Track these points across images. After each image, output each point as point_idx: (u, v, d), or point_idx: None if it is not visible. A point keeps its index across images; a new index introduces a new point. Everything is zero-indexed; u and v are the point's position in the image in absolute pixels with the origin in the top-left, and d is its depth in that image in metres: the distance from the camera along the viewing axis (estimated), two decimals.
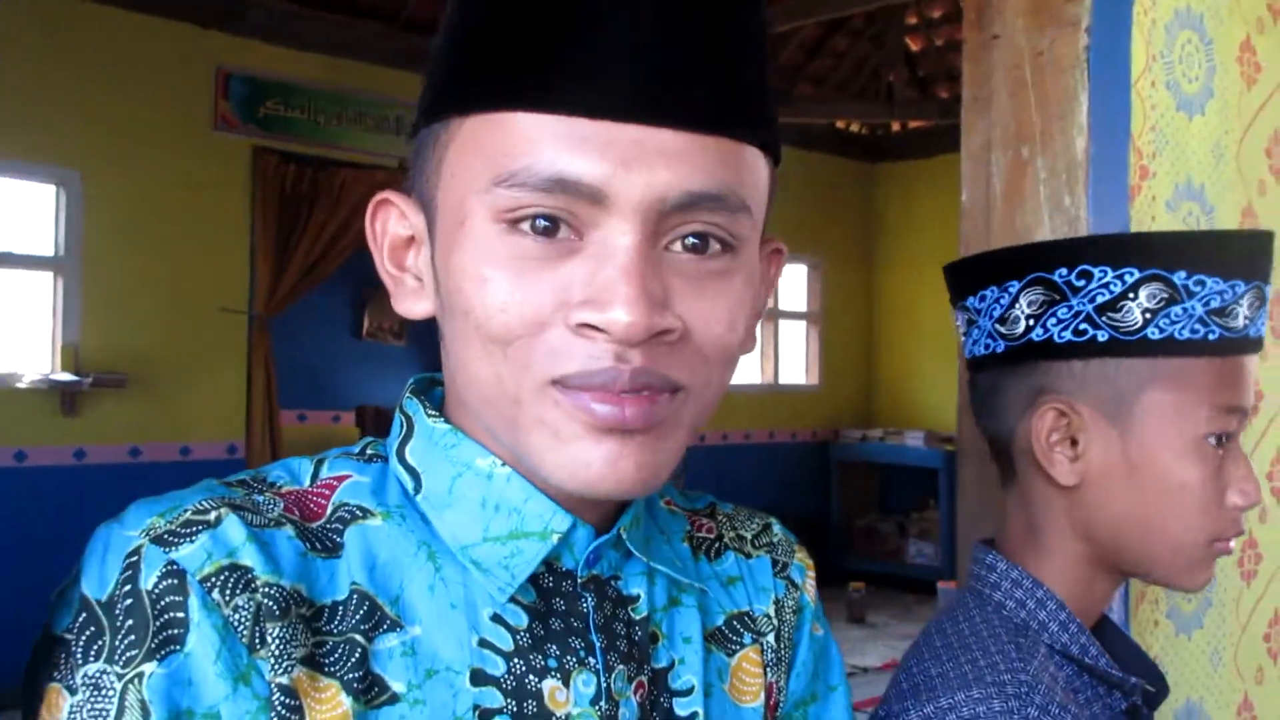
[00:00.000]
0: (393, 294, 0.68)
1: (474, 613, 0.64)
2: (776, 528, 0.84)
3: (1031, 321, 0.98)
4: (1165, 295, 0.93)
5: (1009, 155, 1.31)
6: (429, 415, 0.68)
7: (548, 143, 0.58)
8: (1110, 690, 0.99)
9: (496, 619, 0.64)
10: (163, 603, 0.56)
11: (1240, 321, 0.95)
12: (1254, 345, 0.97)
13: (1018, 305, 0.99)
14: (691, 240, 0.61)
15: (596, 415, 0.59)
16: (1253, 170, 1.45)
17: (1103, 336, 0.95)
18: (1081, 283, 0.95)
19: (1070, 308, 0.96)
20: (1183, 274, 0.93)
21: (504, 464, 0.66)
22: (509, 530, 0.65)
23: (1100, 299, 0.95)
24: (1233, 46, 1.42)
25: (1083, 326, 0.95)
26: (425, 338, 7.17)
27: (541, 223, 0.59)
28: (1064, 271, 0.96)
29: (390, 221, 0.68)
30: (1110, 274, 0.95)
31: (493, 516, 0.65)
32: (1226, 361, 0.95)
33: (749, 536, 0.83)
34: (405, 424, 0.69)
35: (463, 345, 0.62)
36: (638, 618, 0.70)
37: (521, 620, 0.65)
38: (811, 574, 0.84)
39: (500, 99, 0.60)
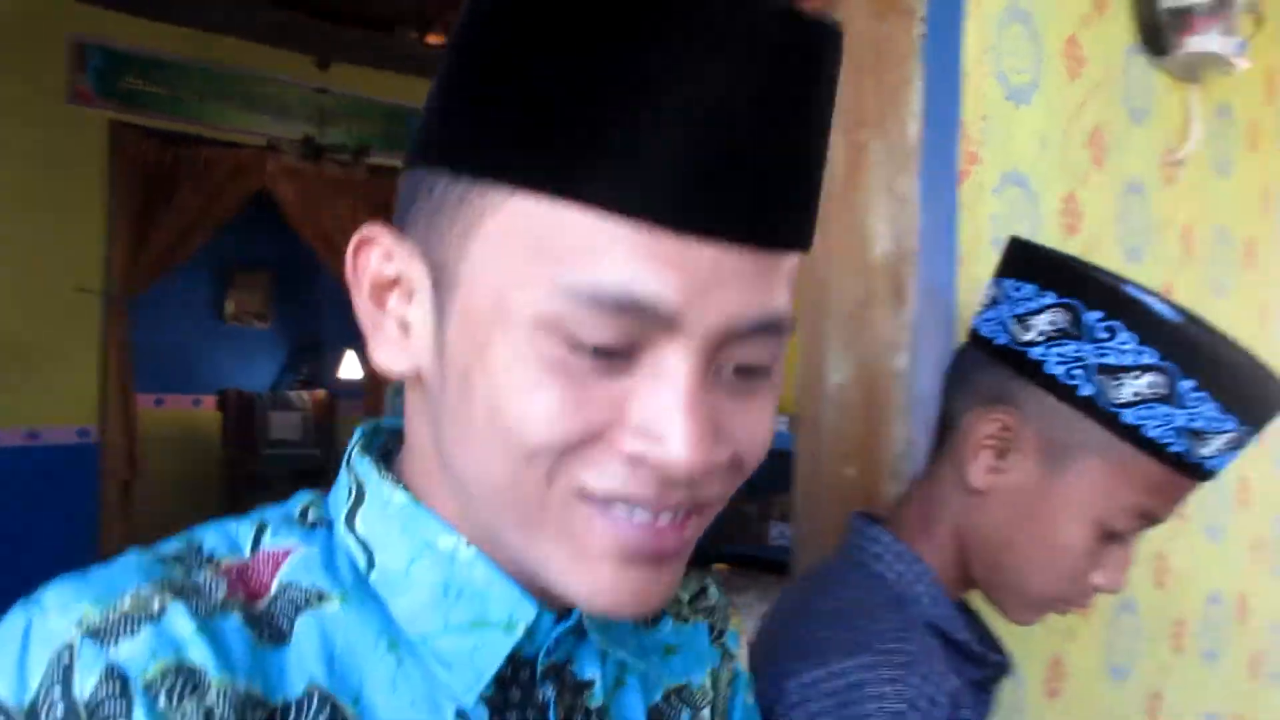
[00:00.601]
0: (369, 339, 0.60)
1: (438, 713, 0.58)
2: (713, 590, 0.80)
3: (1040, 338, 0.98)
4: (1164, 393, 0.93)
5: (848, 138, 1.35)
6: (384, 479, 0.61)
7: (621, 254, 0.50)
8: (966, 664, 1.02)
9: (461, 716, 0.59)
10: (101, 714, 0.48)
11: (1209, 451, 0.95)
12: (1205, 476, 0.97)
13: (1041, 317, 0.98)
14: (744, 366, 0.55)
15: (630, 543, 0.54)
16: (1076, 160, 1.51)
17: (1087, 390, 0.95)
18: (1103, 335, 0.95)
19: (1079, 350, 0.96)
20: (1193, 384, 0.93)
21: (469, 543, 0.59)
22: (471, 619, 0.59)
23: (1108, 360, 0.94)
24: (1060, 41, 1.49)
25: (1076, 372, 0.95)
26: (291, 320, 7.02)
27: (611, 346, 0.52)
28: (1098, 315, 0.95)
29: (373, 259, 0.59)
30: (1132, 344, 0.94)
31: (454, 604, 0.59)
32: (1173, 475, 0.95)
33: (686, 599, 0.78)
34: (355, 488, 0.62)
35: (474, 435, 0.55)
36: (594, 706, 0.65)
37: (482, 717, 0.59)
38: (745, 640, 0.81)
39: (570, 186, 0.50)
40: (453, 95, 0.56)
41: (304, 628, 0.56)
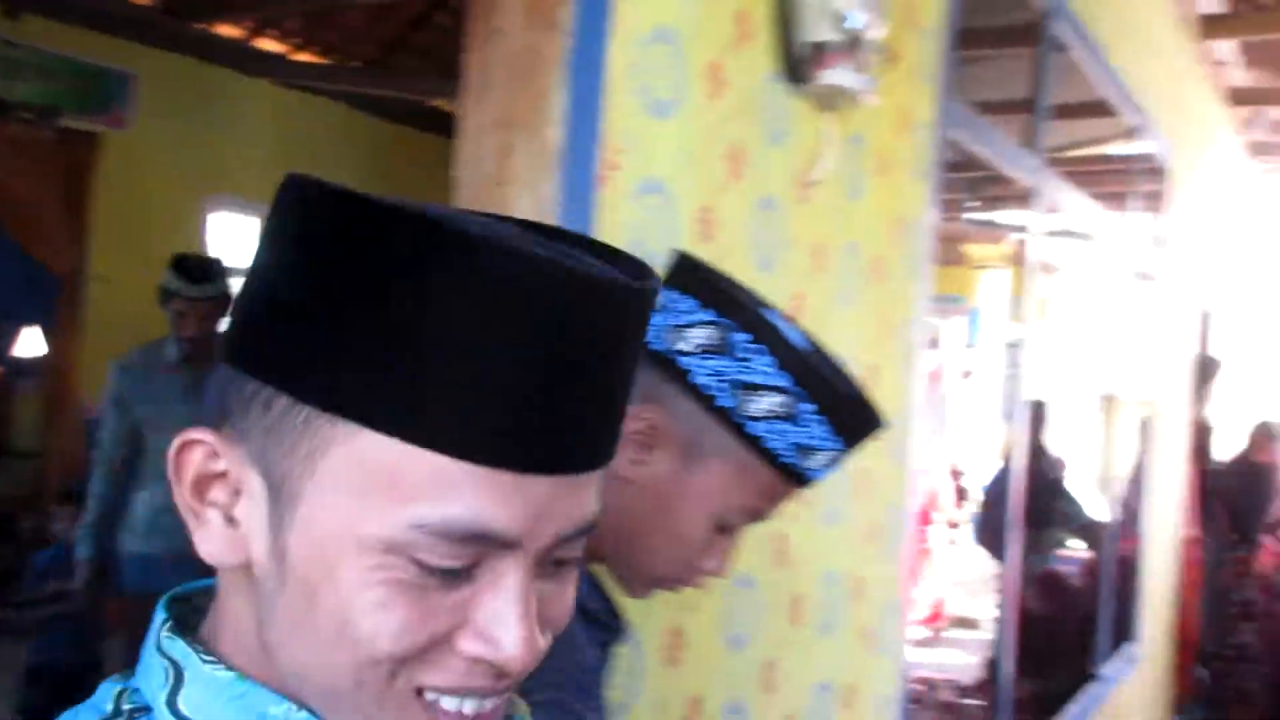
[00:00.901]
0: (192, 529, 0.62)
1: None
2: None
3: (693, 349, 1.07)
4: (788, 412, 1.05)
5: (498, 138, 1.43)
6: (205, 660, 0.62)
7: (468, 492, 0.56)
8: (596, 630, 1.09)
9: None
10: None
11: (814, 465, 1.08)
12: (806, 484, 1.11)
13: (696, 330, 1.07)
14: (561, 559, 0.63)
15: None
16: (713, 173, 1.65)
17: (725, 402, 1.05)
18: (746, 356, 1.05)
19: (724, 365, 1.06)
20: (813, 408, 1.05)
21: (299, 708, 0.61)
22: None
23: (747, 378, 1.05)
24: (703, 63, 1.62)
25: (719, 384, 1.06)
26: None
27: (455, 567, 0.57)
28: (746, 338, 1.05)
29: (197, 457, 0.61)
30: (771, 368, 1.05)
31: None
32: (782, 482, 1.08)
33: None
34: (172, 671, 0.62)
35: (318, 639, 0.58)
36: None
37: None
38: None
39: (420, 434, 0.55)
40: (285, 319, 0.59)
41: None
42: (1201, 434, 5.76)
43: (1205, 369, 6.01)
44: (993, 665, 3.22)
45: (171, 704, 0.62)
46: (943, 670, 6.00)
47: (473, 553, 0.57)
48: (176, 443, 0.61)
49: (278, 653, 0.61)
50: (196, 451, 0.61)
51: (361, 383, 0.56)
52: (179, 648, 0.63)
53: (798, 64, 1.83)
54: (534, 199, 1.39)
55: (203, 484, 0.61)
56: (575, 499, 0.60)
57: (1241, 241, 7.43)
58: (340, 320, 0.57)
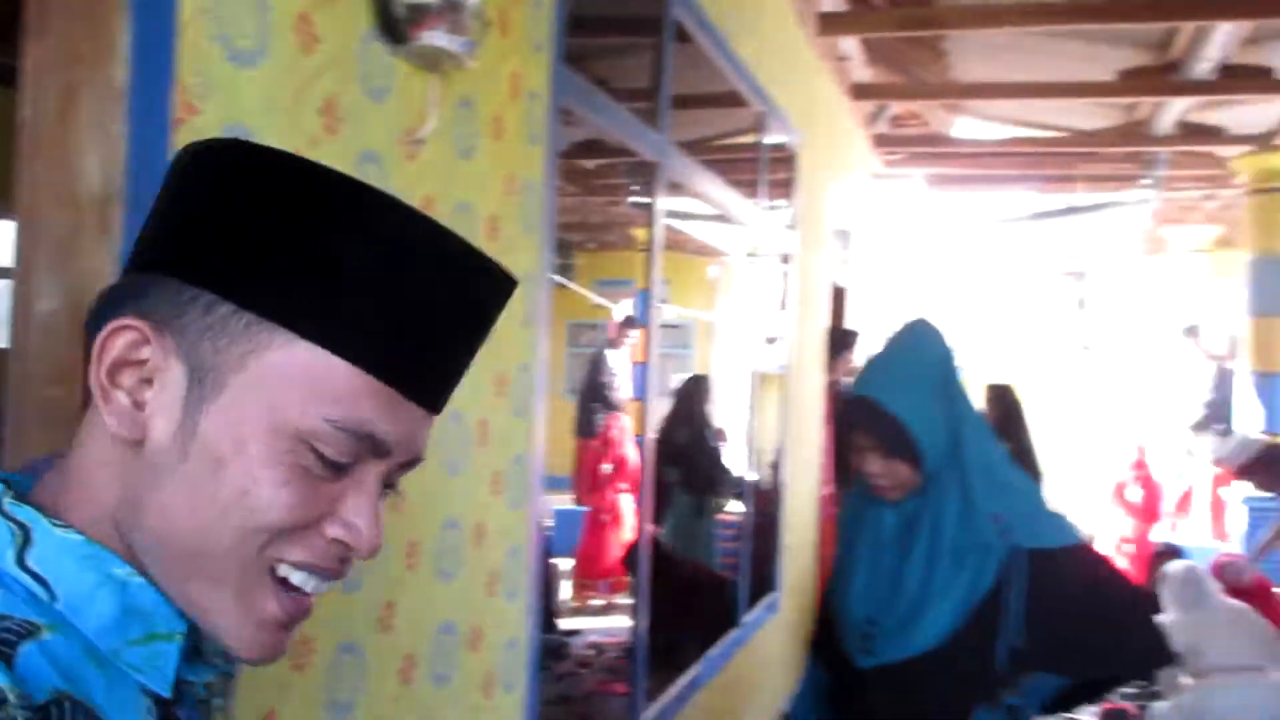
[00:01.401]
0: (100, 403, 0.73)
1: (140, 709, 0.74)
2: None
3: None
4: None
5: (63, 76, 1.40)
6: (54, 525, 0.72)
7: (369, 401, 0.73)
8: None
9: (159, 704, 0.76)
10: None
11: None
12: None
13: None
14: (392, 482, 0.81)
15: (292, 614, 0.76)
16: (305, 124, 1.68)
17: None
18: None
19: None
20: None
21: (135, 573, 0.74)
22: (145, 633, 0.73)
23: None
24: (290, 16, 1.64)
25: None
26: None
27: (342, 462, 0.74)
28: None
29: (124, 344, 0.73)
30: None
31: (131, 621, 0.73)
32: None
33: None
34: (20, 532, 0.72)
35: (208, 506, 0.72)
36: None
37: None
38: None
39: (350, 352, 0.73)
40: (240, 243, 0.73)
41: (31, 653, 0.67)
42: (835, 399, 6.29)
43: (840, 340, 6.56)
44: (633, 623, 3.41)
45: (21, 561, 0.71)
46: (614, 634, 6.25)
47: (357, 452, 0.74)
48: (109, 327, 0.73)
49: (148, 520, 0.73)
50: (124, 338, 0.73)
51: (304, 302, 0.72)
52: (26, 512, 0.73)
53: (395, 24, 1.88)
54: (104, 139, 1.38)
55: (119, 368, 0.73)
56: (424, 435, 0.79)
57: (869, 224, 8.15)
58: (292, 251, 0.72)
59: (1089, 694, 2.39)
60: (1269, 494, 7.02)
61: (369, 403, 0.73)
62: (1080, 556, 2.31)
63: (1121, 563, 7.90)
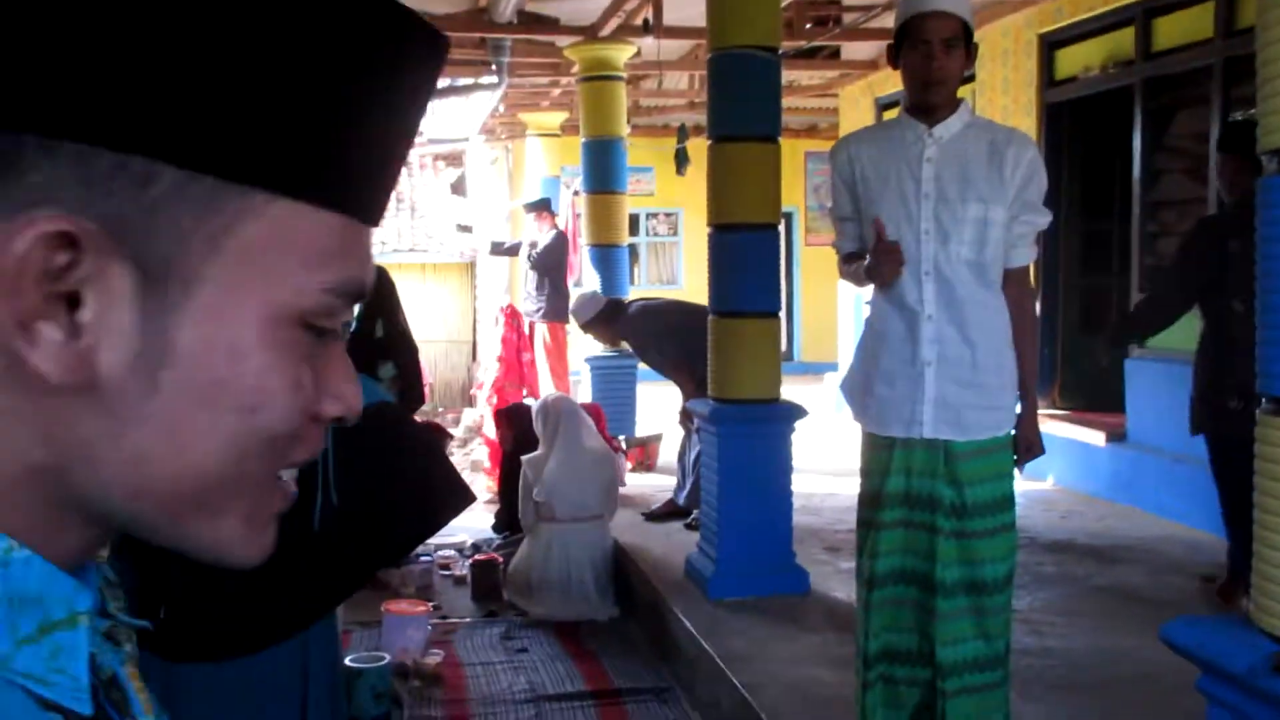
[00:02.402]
0: (19, 344, 0.49)
1: None
2: None
3: None
4: None
5: None
6: None
7: (356, 250, 0.57)
8: None
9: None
10: None
11: None
12: None
13: None
14: None
15: (286, 502, 0.60)
16: None
17: None
18: None
19: None
20: None
21: (20, 545, 0.51)
22: (39, 625, 0.52)
23: None
24: None
25: None
26: None
27: (331, 329, 0.57)
28: None
29: (36, 249, 0.48)
30: None
31: (18, 613, 0.51)
32: None
33: None
34: None
35: (196, 438, 0.53)
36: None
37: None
38: None
39: (330, 196, 0.55)
40: (177, 86, 0.50)
41: None
42: None
43: None
44: None
45: None
46: None
47: (344, 312, 0.58)
48: (41, 228, 0.49)
49: (108, 473, 0.53)
50: (30, 239, 0.48)
51: (276, 149, 0.52)
52: None
53: None
54: None
55: (35, 285, 0.49)
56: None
57: None
58: (250, 88, 0.51)
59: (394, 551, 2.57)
60: (607, 348, 7.94)
61: (356, 251, 0.57)
62: (386, 413, 2.46)
63: (490, 424, 8.51)
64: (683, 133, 9.69)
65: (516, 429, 6.65)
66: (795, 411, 5.01)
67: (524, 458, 6.02)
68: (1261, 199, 2.09)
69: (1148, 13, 6.86)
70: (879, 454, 2.98)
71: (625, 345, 7.24)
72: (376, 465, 2.36)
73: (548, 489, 5.76)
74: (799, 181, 15.16)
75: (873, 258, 2.87)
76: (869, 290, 3.04)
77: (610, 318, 6.71)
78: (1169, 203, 6.95)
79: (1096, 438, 6.97)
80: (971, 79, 8.48)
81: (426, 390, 9.50)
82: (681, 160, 9.44)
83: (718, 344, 5.05)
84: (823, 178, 15.11)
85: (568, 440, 5.92)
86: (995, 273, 2.92)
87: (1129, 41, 7.02)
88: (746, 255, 5.00)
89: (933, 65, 2.83)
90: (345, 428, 2.14)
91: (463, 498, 2.53)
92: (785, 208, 15.82)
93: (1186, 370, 6.39)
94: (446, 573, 6.46)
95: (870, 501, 3.01)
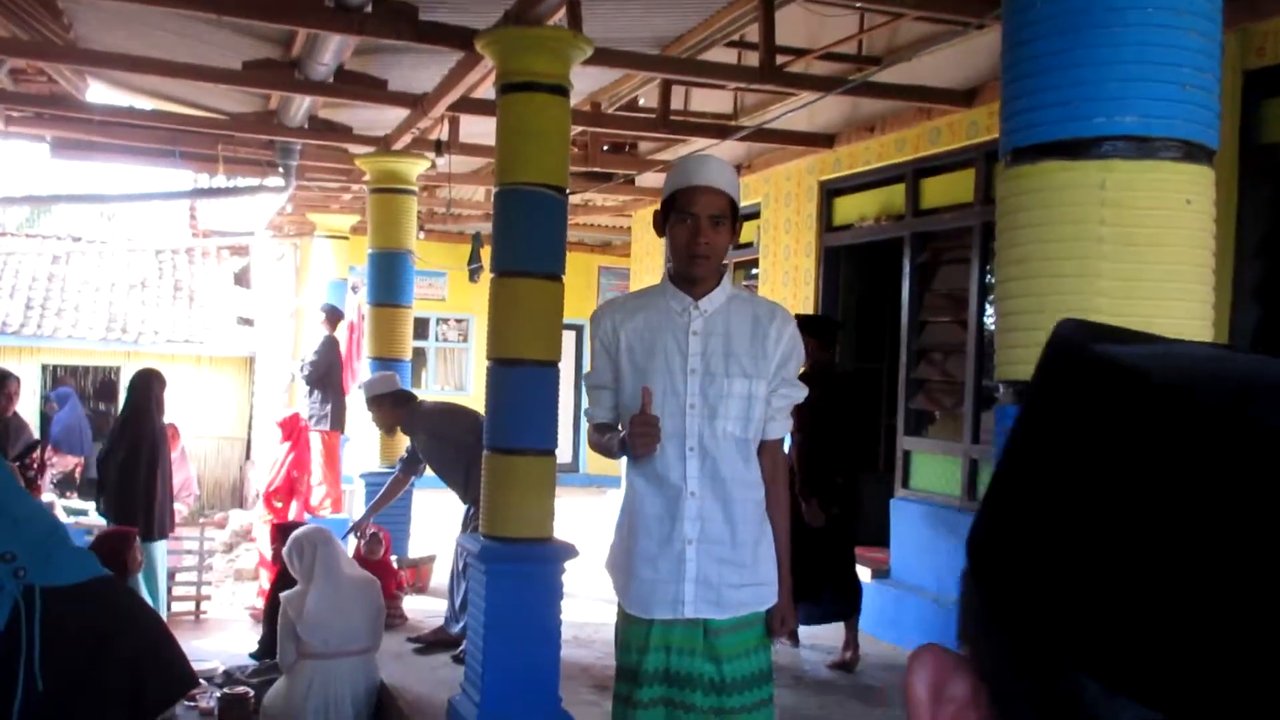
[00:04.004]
0: None
1: None
2: None
3: None
4: None
5: None
6: None
7: None
8: None
9: None
10: None
11: None
12: None
13: None
14: None
15: None
16: None
17: None
18: None
19: None
20: None
21: None
22: None
23: None
24: None
25: None
26: None
27: None
28: None
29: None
30: None
31: None
32: None
33: None
34: None
35: None
36: None
37: None
38: None
39: None
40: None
41: None
42: None
43: None
44: None
45: None
46: None
47: None
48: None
49: None
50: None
51: None
52: None
53: None
54: None
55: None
56: None
57: None
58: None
59: None
60: (383, 463, 7.70)
61: None
62: (100, 591, 2.25)
63: (265, 539, 8.09)
64: (477, 241, 9.65)
65: None
66: (566, 551, 4.93)
67: (283, 595, 5.70)
68: (996, 425, 2.18)
69: (917, 173, 7.29)
70: (636, 628, 2.91)
71: (401, 454, 7.01)
72: (87, 647, 2.15)
73: (310, 625, 5.46)
74: (592, 295, 15.33)
75: (632, 427, 2.83)
76: (624, 462, 3.01)
77: (399, 402, 6.52)
78: (933, 349, 7.31)
79: (862, 574, 7.17)
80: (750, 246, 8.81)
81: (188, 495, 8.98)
82: (475, 269, 9.39)
83: (492, 479, 4.94)
84: (615, 293, 15.35)
85: (327, 571, 5.65)
86: (755, 447, 2.94)
87: (900, 197, 7.43)
88: (525, 391, 4.94)
89: (699, 240, 2.83)
90: (53, 607, 1.91)
91: (181, 685, 2.33)
92: (577, 321, 16.08)
93: (946, 511, 6.70)
94: (191, 704, 6.01)
95: (628, 676, 2.93)
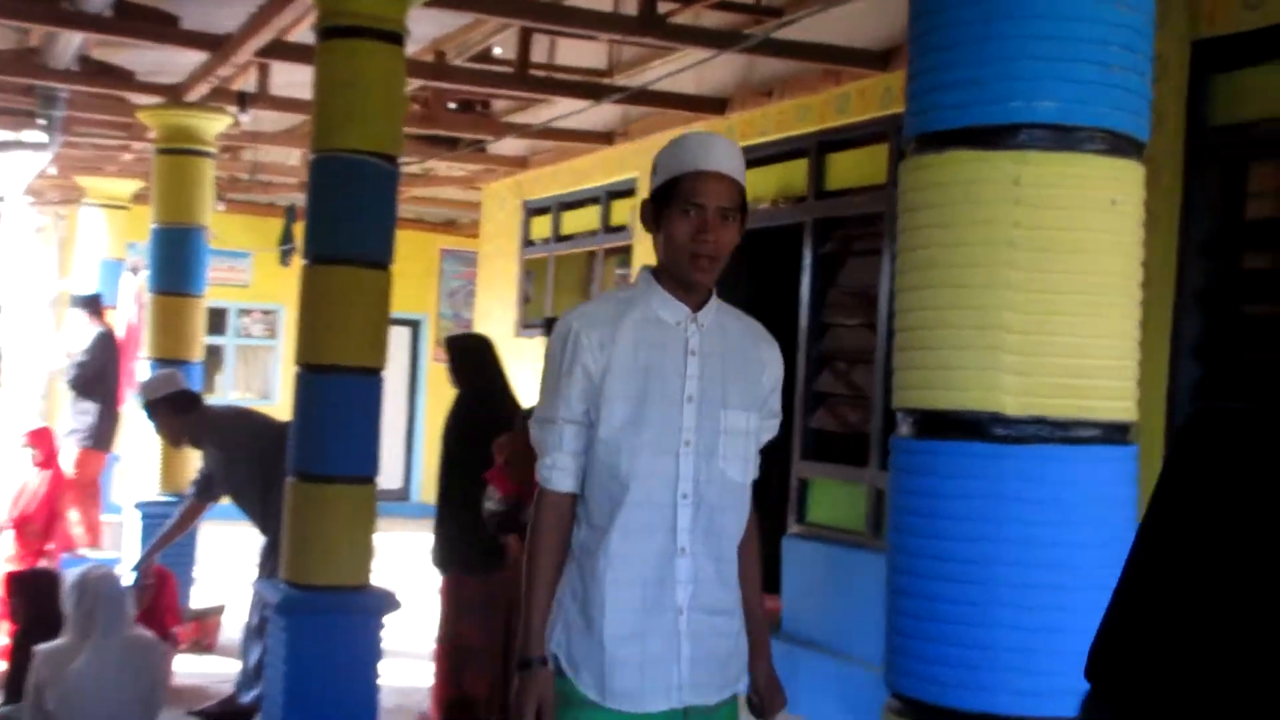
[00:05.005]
0: None
1: None
2: None
3: None
4: None
5: None
6: None
7: None
8: None
9: None
10: None
11: None
12: None
13: None
14: None
15: None
16: None
17: None
18: None
19: None
20: None
21: None
22: None
23: None
24: None
25: None
26: None
27: None
28: None
29: None
30: None
31: None
32: None
33: None
34: None
35: None
36: None
37: None
38: None
39: None
40: None
41: None
42: None
43: None
44: None
45: None
46: None
47: None
48: None
49: None
50: None
51: None
52: None
53: None
54: None
55: None
56: None
57: None
58: None
59: None
60: (162, 490, 7.55)
61: None
62: None
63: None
64: (290, 216, 9.54)
65: (36, 602, 6.12)
66: (386, 601, 4.91)
67: (38, 648, 5.52)
68: (892, 460, 2.28)
69: (823, 146, 7.44)
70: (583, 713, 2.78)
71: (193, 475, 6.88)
72: None
73: (67, 695, 5.29)
74: (432, 283, 15.24)
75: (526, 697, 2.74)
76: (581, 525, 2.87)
77: (181, 407, 6.38)
78: (838, 357, 7.46)
79: None
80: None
81: None
82: (287, 251, 9.27)
83: (296, 512, 4.89)
84: (459, 281, 15.29)
85: (107, 632, 5.47)
86: (750, 495, 2.91)
87: (802, 175, 7.58)
88: (341, 404, 4.91)
89: (707, 237, 2.73)
90: None
91: None
92: (413, 315, 15.98)
93: (849, 551, 6.83)
94: None
95: None
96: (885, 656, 2.42)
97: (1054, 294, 2.26)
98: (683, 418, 2.76)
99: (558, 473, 2.81)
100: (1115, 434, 2.34)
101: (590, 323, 2.82)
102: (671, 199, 2.77)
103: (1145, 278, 4.95)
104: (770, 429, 2.95)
